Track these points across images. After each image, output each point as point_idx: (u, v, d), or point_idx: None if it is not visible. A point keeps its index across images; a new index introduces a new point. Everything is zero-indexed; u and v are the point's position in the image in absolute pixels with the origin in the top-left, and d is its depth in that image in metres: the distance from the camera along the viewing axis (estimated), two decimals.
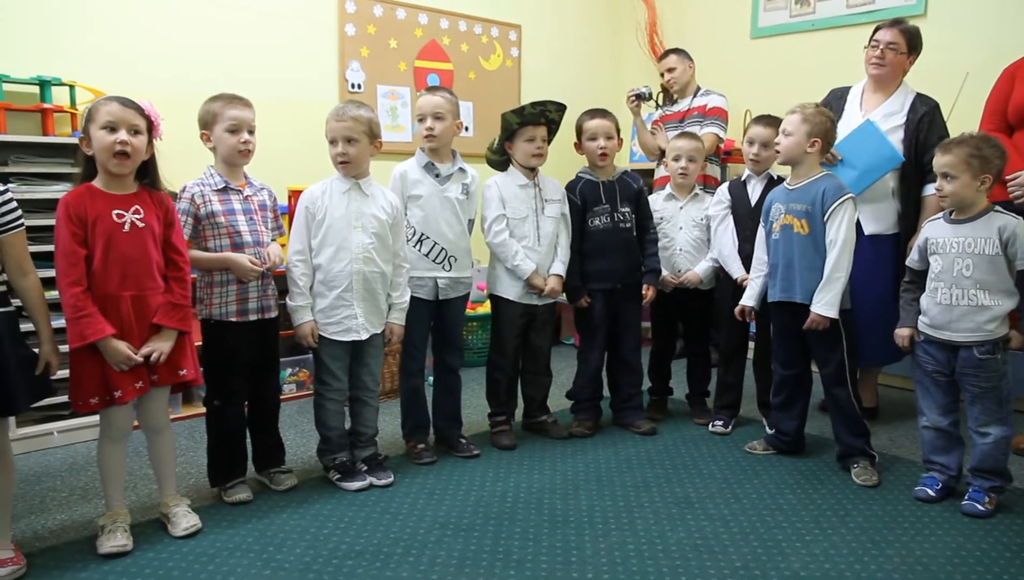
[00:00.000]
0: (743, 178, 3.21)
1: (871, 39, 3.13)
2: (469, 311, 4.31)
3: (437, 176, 2.84)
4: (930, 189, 2.99)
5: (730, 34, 4.85)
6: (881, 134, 3.05)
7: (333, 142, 2.56)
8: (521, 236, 2.99)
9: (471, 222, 2.98)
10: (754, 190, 3.15)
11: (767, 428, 3.19)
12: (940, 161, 2.45)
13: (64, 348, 2.10)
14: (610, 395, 3.34)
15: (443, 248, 2.84)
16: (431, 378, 3.07)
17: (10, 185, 2.85)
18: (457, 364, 3.02)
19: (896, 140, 3.05)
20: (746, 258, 3.11)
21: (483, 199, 3.01)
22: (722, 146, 4.13)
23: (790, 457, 2.91)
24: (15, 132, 3.12)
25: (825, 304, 2.63)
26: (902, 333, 2.60)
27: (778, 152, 2.79)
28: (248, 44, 3.85)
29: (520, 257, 2.96)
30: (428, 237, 2.82)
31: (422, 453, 2.89)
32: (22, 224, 2.04)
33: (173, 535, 2.27)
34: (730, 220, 3.19)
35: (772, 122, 3.10)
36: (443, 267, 2.85)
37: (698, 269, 3.26)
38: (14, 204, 2.02)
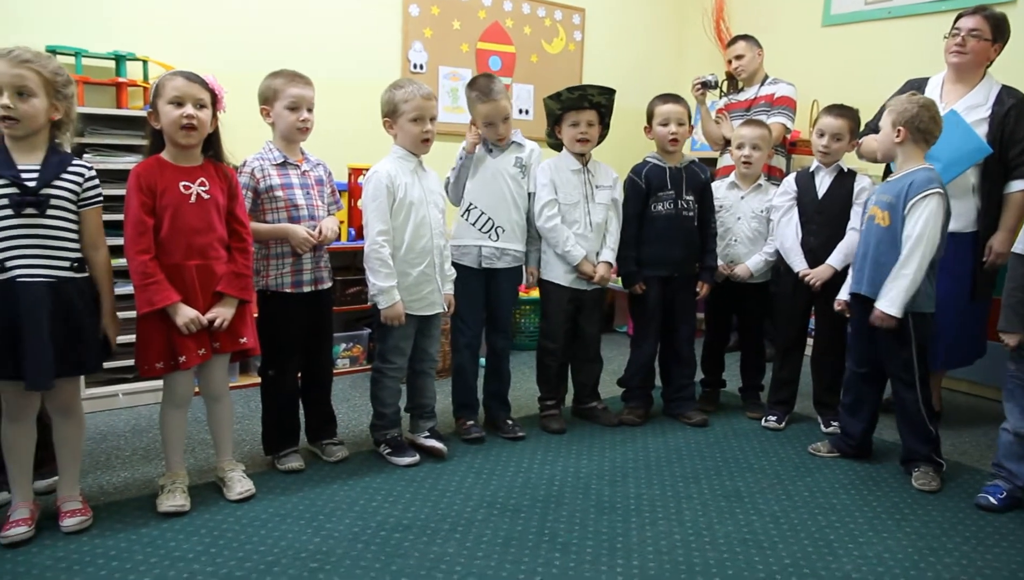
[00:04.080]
0: (811, 169, 3.11)
1: (953, 27, 2.99)
2: (522, 294, 4.30)
3: (491, 149, 2.86)
4: (1015, 186, 2.86)
5: (801, 21, 4.70)
6: (966, 125, 2.91)
7: (420, 120, 2.56)
8: (572, 221, 2.98)
9: (532, 196, 2.98)
10: (822, 182, 3.06)
11: (822, 427, 3.12)
12: None
13: (130, 314, 2.17)
14: (662, 385, 3.31)
15: (489, 217, 2.86)
16: (483, 359, 3.09)
17: (86, 155, 2.99)
18: (502, 344, 3.02)
19: (980, 134, 2.92)
20: (808, 251, 3.03)
21: (535, 184, 3.00)
22: (789, 137, 4.03)
23: (847, 459, 2.82)
24: (91, 104, 3.23)
25: (888, 301, 2.50)
26: (1012, 340, 2.42)
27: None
28: (314, 22, 3.90)
29: (571, 243, 2.95)
30: (476, 207, 2.85)
31: (471, 428, 2.92)
32: (101, 201, 2.13)
33: (228, 498, 2.34)
34: (794, 212, 3.10)
35: (844, 113, 2.99)
36: (489, 237, 2.87)
37: (749, 263, 3.19)
38: (97, 181, 2.11)
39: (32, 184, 1.97)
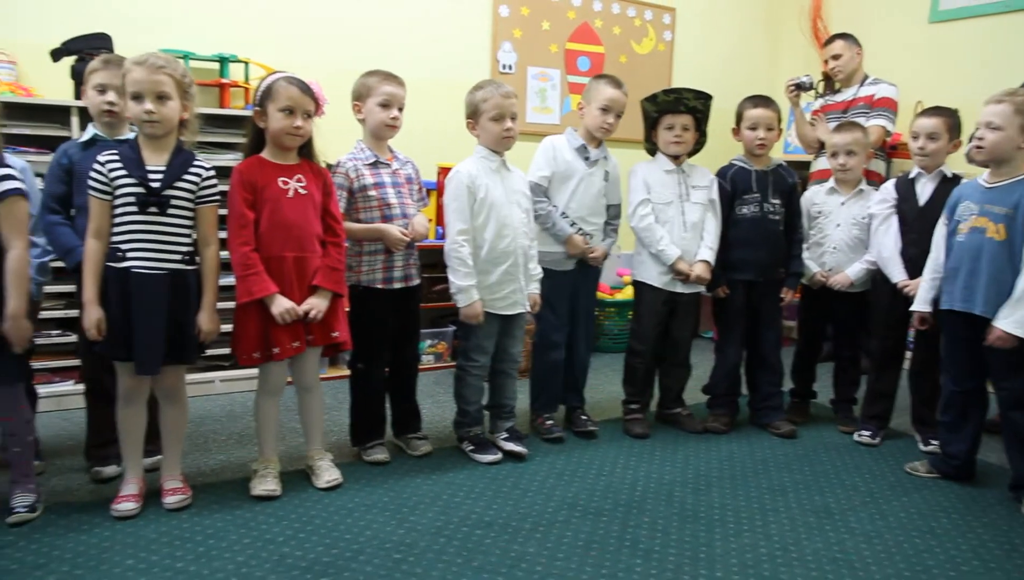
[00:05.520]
0: (912, 176, 2.96)
1: None
2: (606, 296, 4.28)
3: (587, 159, 2.86)
4: None
5: (905, 17, 4.49)
6: None
7: (500, 119, 2.59)
8: (665, 221, 2.95)
9: (615, 208, 2.97)
10: (923, 189, 2.91)
11: (920, 445, 2.97)
12: None
13: (229, 305, 2.27)
14: (748, 393, 3.23)
15: (580, 228, 2.87)
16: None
17: None
18: (586, 334, 3.02)
19: None
20: (908, 261, 2.89)
21: (628, 185, 2.99)
22: (889, 140, 3.85)
23: (949, 481, 2.67)
24: (196, 104, 3.38)
25: (1015, 322, 2.32)
26: None
27: (980, 148, 2.45)
28: (405, 24, 3.98)
29: (665, 242, 2.92)
30: (567, 215, 2.85)
31: (551, 428, 2.92)
32: (218, 200, 2.23)
33: (316, 486, 2.42)
34: (894, 220, 2.96)
35: (938, 112, 2.85)
36: None
37: (850, 271, 3.07)
38: (214, 180, 2.22)
39: (156, 185, 2.10)
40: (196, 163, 2.19)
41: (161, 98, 2.08)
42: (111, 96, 2.31)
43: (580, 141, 2.87)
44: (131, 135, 2.32)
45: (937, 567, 2.09)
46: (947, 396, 2.64)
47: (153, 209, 2.10)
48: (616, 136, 3.00)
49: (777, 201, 3.03)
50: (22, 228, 2.06)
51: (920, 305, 2.69)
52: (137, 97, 2.06)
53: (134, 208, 2.09)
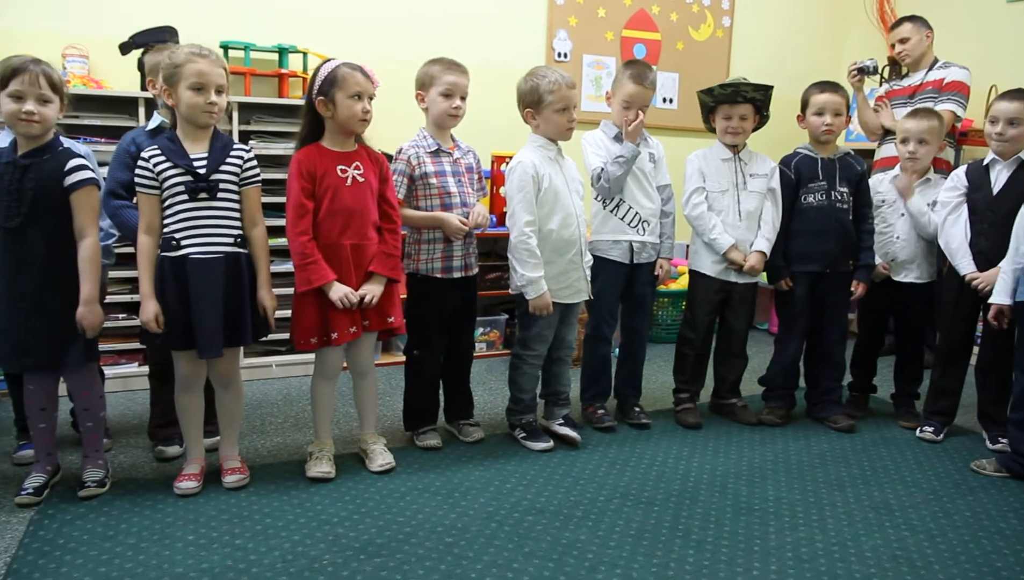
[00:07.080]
0: (986, 162, 2.84)
1: None
2: (660, 287, 4.23)
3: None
4: None
5: None
6: None
7: (565, 110, 2.56)
8: (720, 209, 2.90)
9: (664, 188, 2.93)
10: (998, 177, 2.78)
11: (988, 443, 2.85)
12: None
13: (287, 291, 2.32)
14: (806, 386, 3.15)
15: (637, 212, 2.82)
16: (616, 349, 3.06)
17: (251, 142, 3.22)
18: (646, 328, 2.99)
19: None
20: (978, 253, 2.77)
21: (683, 173, 2.95)
22: (958, 126, 3.70)
23: (1019, 481, 2.56)
24: (257, 95, 3.47)
25: None
26: None
27: None
28: (461, 12, 3.99)
29: (717, 231, 2.87)
30: (624, 201, 2.82)
31: (603, 417, 2.91)
32: (260, 180, 2.28)
33: (370, 469, 2.45)
34: (963, 209, 2.84)
35: (1020, 95, 2.72)
36: (637, 231, 2.83)
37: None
38: (255, 162, 2.27)
39: (203, 171, 2.15)
40: (236, 146, 2.24)
41: (220, 92, 2.14)
42: None
43: (616, 129, 2.82)
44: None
45: (1007, 569, 2.01)
46: (1019, 393, 2.54)
47: (203, 195, 2.15)
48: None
49: (845, 189, 2.94)
50: (95, 217, 2.16)
51: (1000, 297, 2.56)
52: (200, 88, 2.11)
53: (184, 196, 2.14)
